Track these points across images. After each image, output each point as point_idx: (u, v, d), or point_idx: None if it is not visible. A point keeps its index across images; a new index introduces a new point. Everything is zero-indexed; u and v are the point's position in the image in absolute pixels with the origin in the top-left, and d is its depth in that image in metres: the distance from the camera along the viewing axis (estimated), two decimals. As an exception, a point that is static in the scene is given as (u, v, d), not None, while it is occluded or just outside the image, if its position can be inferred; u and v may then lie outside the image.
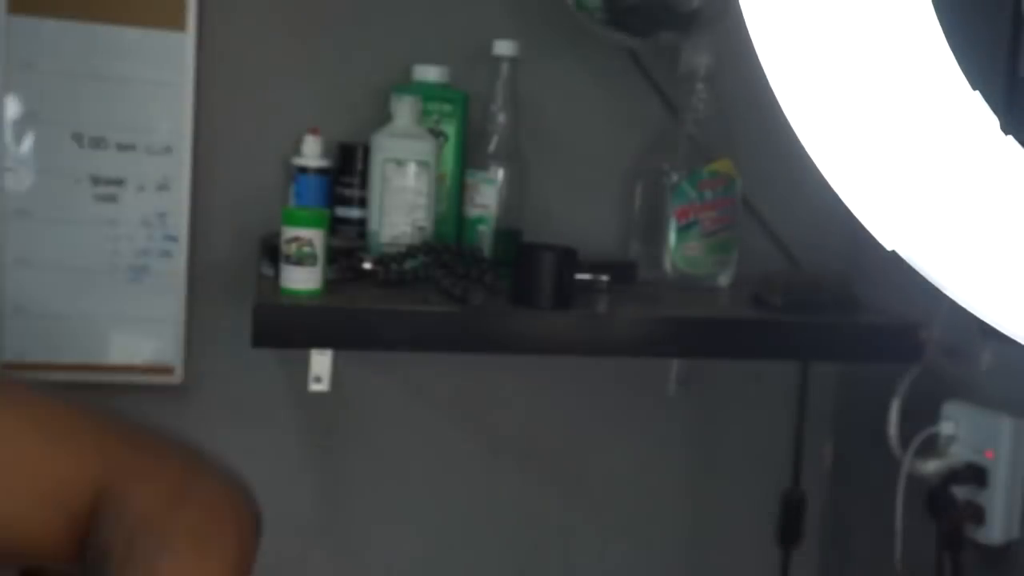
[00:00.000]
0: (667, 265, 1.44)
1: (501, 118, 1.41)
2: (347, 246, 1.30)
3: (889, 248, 0.58)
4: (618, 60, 1.53)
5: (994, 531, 1.27)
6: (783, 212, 1.59)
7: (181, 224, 1.40)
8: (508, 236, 1.43)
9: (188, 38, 1.38)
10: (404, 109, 1.34)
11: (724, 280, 1.47)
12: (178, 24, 1.37)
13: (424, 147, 1.34)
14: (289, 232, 1.18)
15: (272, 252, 1.28)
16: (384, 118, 1.36)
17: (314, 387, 1.49)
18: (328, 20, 1.45)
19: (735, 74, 1.39)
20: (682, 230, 1.43)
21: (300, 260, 1.18)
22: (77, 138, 1.36)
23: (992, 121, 0.54)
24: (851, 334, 1.35)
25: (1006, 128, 0.55)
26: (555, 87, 1.53)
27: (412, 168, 1.33)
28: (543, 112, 1.52)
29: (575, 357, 1.47)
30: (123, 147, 1.37)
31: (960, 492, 1.30)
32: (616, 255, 1.53)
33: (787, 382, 1.66)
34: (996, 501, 1.27)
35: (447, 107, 1.41)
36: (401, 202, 1.34)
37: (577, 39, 1.47)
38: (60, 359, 1.39)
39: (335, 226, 1.41)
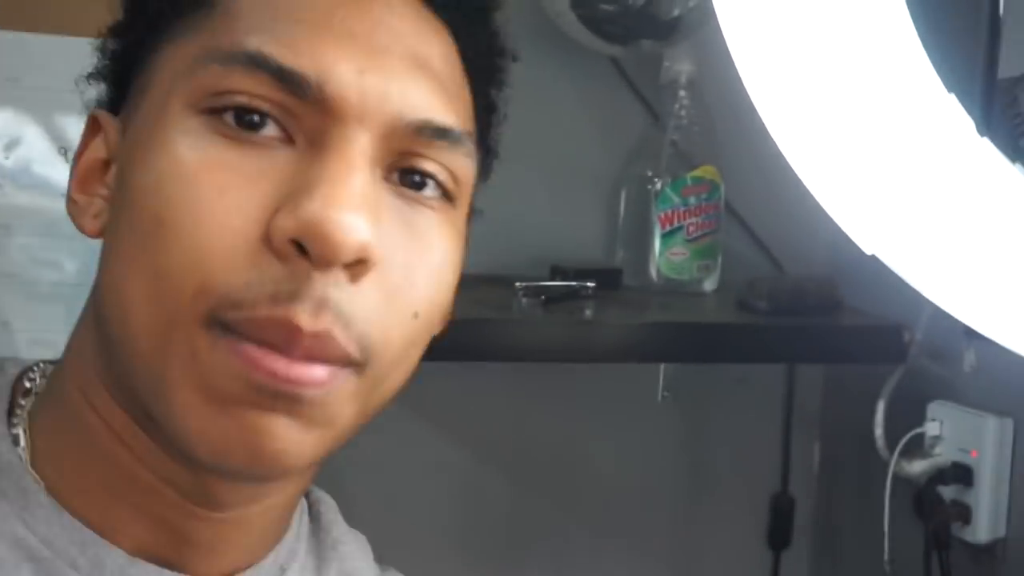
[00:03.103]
0: (652, 271, 1.45)
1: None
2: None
3: (869, 252, 0.59)
4: (601, 68, 1.54)
5: (981, 530, 1.28)
6: (767, 217, 1.60)
7: (167, 237, 1.40)
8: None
9: (172, 52, 1.38)
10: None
11: (709, 285, 1.48)
12: (162, 38, 1.37)
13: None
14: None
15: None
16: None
17: (303, 398, 1.49)
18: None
19: (718, 80, 1.40)
20: (666, 236, 1.43)
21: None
22: (63, 152, 1.36)
23: (968, 123, 0.55)
24: (836, 336, 1.36)
25: (982, 130, 0.56)
26: (538, 95, 1.53)
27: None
28: (526, 120, 1.53)
29: (562, 365, 1.48)
30: (108, 161, 1.37)
31: (946, 492, 1.31)
32: (601, 262, 1.54)
33: (773, 386, 1.67)
34: (982, 500, 1.28)
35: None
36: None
37: (559, 48, 1.48)
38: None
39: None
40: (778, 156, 0.61)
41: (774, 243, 1.62)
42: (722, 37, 0.60)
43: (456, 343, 1.25)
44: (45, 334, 1.38)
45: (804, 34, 0.55)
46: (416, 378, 1.53)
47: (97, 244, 1.41)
